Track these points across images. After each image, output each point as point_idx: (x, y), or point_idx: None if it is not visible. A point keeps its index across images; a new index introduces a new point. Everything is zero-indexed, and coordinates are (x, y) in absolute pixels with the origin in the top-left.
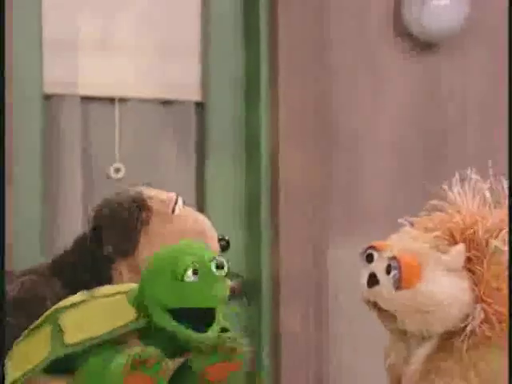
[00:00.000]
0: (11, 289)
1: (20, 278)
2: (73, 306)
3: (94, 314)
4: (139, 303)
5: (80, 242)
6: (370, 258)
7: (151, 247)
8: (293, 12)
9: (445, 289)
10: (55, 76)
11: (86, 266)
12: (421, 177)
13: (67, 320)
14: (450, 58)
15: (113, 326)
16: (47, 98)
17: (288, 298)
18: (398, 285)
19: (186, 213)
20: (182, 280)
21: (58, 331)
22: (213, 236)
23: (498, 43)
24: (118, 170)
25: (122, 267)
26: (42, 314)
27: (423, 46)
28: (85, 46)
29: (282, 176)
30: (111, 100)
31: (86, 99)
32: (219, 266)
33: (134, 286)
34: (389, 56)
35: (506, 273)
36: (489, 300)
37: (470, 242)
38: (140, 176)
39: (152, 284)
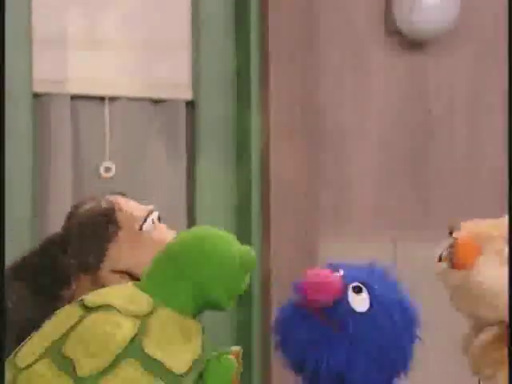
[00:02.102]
0: None
1: None
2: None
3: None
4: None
5: (45, 246)
6: (451, 233)
7: (116, 263)
8: (283, 10)
9: (495, 279)
10: (45, 75)
11: (47, 269)
12: (407, 173)
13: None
14: (437, 57)
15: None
16: (37, 96)
17: (279, 295)
18: (452, 264)
19: (157, 230)
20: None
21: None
22: None
23: (485, 43)
24: (108, 169)
25: (83, 279)
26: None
27: (412, 44)
28: (74, 44)
29: (273, 174)
30: (101, 99)
31: (76, 98)
32: None
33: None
34: (378, 54)
35: None
36: None
37: None
38: (130, 175)
39: (222, 275)
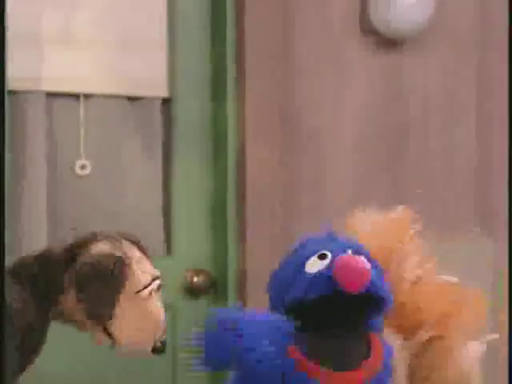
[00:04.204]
0: None
1: None
2: None
3: None
4: None
5: (44, 257)
6: None
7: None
8: (259, 9)
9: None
10: (19, 72)
11: (44, 280)
12: (384, 173)
13: None
14: (413, 56)
15: None
16: (11, 93)
17: (254, 295)
18: None
19: (150, 301)
20: None
21: None
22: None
23: (460, 42)
24: (83, 167)
25: (68, 302)
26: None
27: (387, 43)
28: (50, 41)
29: (249, 172)
30: (76, 96)
31: (51, 95)
32: None
33: None
34: (353, 53)
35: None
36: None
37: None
38: (106, 173)
39: None
